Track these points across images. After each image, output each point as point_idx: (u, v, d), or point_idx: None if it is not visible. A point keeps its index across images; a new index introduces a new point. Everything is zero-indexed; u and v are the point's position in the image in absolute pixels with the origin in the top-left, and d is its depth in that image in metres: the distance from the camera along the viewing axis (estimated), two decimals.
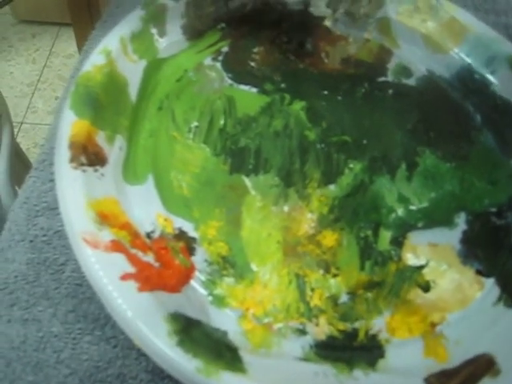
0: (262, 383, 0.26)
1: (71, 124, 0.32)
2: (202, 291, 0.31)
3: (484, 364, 0.29)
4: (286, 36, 0.43)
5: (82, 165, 0.31)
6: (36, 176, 0.37)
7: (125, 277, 0.28)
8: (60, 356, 0.30)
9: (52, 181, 0.31)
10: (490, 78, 0.40)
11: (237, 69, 0.41)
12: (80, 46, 0.88)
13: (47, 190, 0.36)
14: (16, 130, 1.11)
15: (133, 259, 0.29)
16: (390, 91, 0.41)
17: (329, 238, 0.34)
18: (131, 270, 0.29)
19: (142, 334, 0.26)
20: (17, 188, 0.72)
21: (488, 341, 0.30)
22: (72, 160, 0.31)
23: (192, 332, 0.28)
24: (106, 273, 0.28)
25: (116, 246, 0.29)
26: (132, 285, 0.28)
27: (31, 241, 0.34)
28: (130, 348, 0.29)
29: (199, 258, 0.32)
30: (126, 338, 0.28)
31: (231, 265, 0.32)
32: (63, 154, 0.31)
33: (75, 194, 0.30)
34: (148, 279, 0.29)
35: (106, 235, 0.29)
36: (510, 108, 0.39)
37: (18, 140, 1.04)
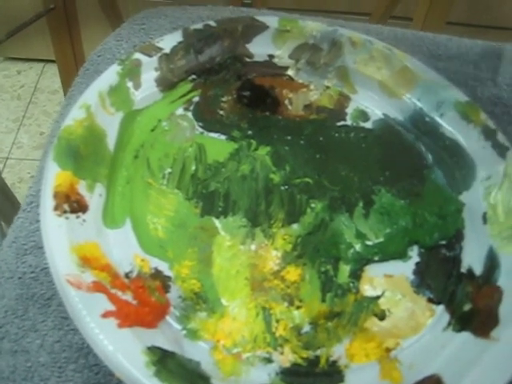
0: None
1: (55, 175, 0.35)
2: (177, 326, 0.33)
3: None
4: (249, 90, 0.46)
5: (65, 212, 0.34)
6: (24, 217, 0.40)
7: (106, 314, 0.31)
8: None
9: (39, 221, 0.34)
10: (439, 120, 0.44)
11: (207, 117, 0.44)
12: (64, 83, 0.90)
13: (34, 230, 0.39)
14: (1, 166, 1.13)
15: (113, 298, 0.32)
16: (349, 134, 0.44)
17: (292, 273, 0.37)
18: (111, 308, 0.31)
19: (122, 366, 0.29)
20: (2, 223, 0.75)
21: (438, 363, 0.33)
22: (56, 208, 0.34)
23: (168, 363, 0.30)
24: (89, 311, 0.30)
25: (97, 287, 0.32)
26: (112, 322, 0.31)
27: (20, 277, 0.37)
28: (111, 374, 0.31)
29: (174, 295, 0.35)
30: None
31: (203, 300, 0.35)
32: (48, 202, 0.34)
33: (59, 239, 0.33)
34: (127, 316, 0.32)
35: (88, 277, 0.32)
36: (457, 148, 0.42)
37: (4, 175, 1.06)
